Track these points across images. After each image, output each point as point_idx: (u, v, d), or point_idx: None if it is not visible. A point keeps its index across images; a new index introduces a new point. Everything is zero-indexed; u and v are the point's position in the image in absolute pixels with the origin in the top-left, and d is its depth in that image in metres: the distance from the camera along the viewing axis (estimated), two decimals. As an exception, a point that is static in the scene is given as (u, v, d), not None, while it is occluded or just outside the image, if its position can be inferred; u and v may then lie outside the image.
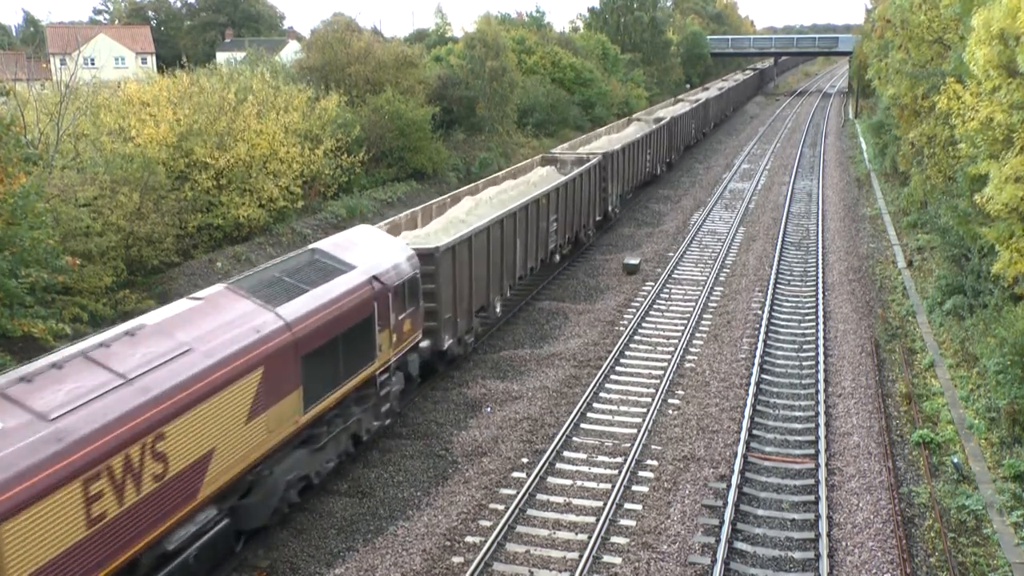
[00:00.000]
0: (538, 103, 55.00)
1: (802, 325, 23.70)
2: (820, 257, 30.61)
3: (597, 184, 32.37)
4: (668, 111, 56.62)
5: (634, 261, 29.21)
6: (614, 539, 13.72)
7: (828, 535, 13.59)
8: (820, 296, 25.77)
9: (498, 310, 23.06)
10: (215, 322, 12.27)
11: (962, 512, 14.26)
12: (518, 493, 14.86)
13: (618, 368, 20.62)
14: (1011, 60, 16.15)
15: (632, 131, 46.40)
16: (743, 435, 16.84)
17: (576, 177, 29.43)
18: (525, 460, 16.27)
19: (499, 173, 30.58)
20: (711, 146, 61.55)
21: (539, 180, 30.88)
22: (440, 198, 25.41)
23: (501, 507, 14.61)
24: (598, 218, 33.27)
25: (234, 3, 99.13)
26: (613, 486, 15.14)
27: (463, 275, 20.22)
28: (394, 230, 21.32)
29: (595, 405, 18.64)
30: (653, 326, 23.59)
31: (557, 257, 28.45)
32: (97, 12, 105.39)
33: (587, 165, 31.27)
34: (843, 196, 42.51)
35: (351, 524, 14.28)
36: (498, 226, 22.36)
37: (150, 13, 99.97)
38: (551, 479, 15.60)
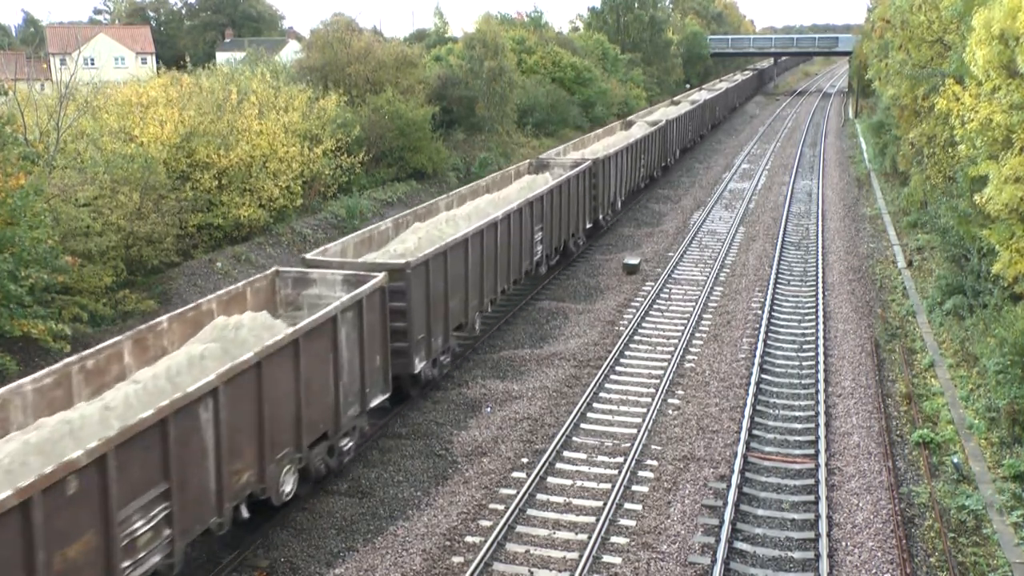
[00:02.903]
0: (538, 103, 54.98)
1: (802, 325, 23.71)
2: (820, 257, 30.61)
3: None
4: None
5: (634, 261, 29.22)
6: (614, 539, 13.73)
7: (828, 535, 13.59)
8: (820, 296, 25.77)
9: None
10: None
11: (962, 512, 14.26)
12: (518, 493, 14.87)
13: (618, 368, 20.62)
14: (1011, 60, 16.17)
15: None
16: (743, 435, 16.84)
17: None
18: (525, 460, 16.28)
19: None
20: (711, 146, 61.57)
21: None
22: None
23: (501, 507, 14.62)
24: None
25: (234, 3, 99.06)
26: (613, 486, 15.14)
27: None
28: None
29: (595, 405, 18.64)
30: (653, 326, 23.59)
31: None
32: (97, 12, 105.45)
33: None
34: (843, 196, 42.52)
35: (351, 524, 14.28)
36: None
37: (150, 13, 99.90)
38: (551, 479, 15.60)
